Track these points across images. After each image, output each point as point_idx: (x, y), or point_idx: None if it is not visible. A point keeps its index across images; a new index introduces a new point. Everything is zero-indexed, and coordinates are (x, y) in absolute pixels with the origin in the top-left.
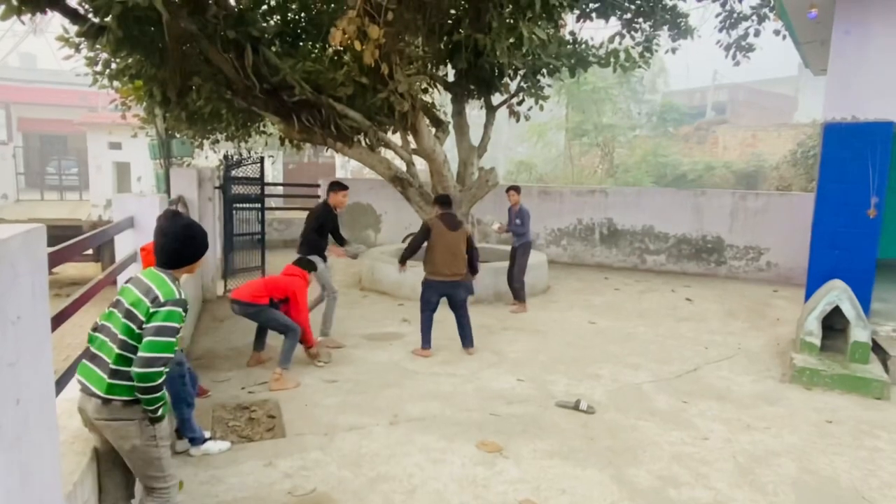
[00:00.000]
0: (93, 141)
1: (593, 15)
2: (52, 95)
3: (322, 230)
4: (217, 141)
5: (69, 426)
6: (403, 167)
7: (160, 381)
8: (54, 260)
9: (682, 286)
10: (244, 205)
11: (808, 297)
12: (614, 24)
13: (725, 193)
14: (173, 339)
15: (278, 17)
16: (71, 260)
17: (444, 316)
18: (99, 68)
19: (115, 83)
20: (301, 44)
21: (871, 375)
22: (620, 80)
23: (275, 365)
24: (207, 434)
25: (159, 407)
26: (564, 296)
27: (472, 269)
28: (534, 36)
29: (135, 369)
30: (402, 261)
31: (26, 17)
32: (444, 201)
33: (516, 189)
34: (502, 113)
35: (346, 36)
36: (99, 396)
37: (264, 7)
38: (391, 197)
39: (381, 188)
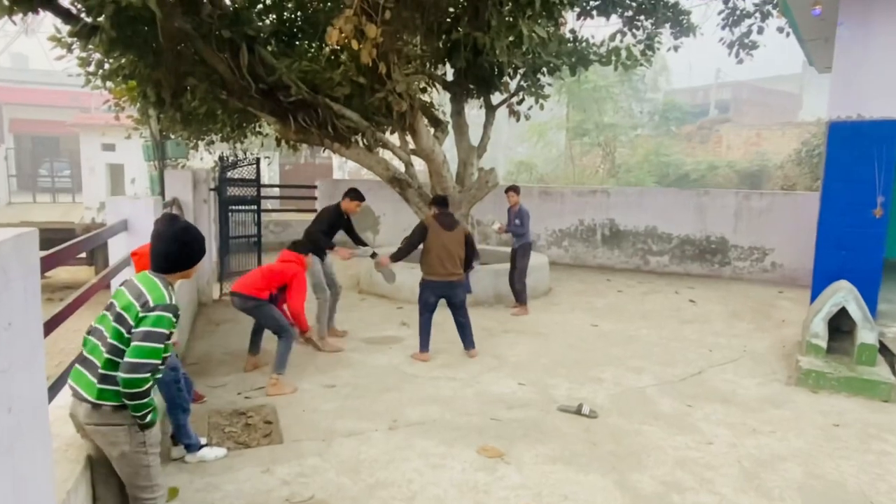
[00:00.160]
0: (86, 142)
1: (594, 12)
2: (45, 96)
3: (331, 231)
4: (212, 142)
5: (63, 433)
6: (402, 168)
7: (146, 386)
8: (47, 264)
9: (686, 288)
10: (240, 207)
11: (813, 298)
12: (615, 21)
13: (729, 193)
14: (161, 346)
15: (274, 16)
16: (64, 264)
17: (443, 319)
18: (92, 69)
19: (109, 84)
20: (297, 43)
21: (879, 378)
22: (622, 78)
23: (271, 369)
24: (203, 440)
25: (147, 413)
26: (566, 298)
27: (467, 265)
28: (534, 34)
29: (121, 374)
30: (395, 259)
31: (18, 17)
32: (440, 202)
33: (515, 189)
34: (502, 112)
35: (343, 35)
36: (89, 401)
37: (260, 6)
38: (390, 198)
39: (380, 189)
